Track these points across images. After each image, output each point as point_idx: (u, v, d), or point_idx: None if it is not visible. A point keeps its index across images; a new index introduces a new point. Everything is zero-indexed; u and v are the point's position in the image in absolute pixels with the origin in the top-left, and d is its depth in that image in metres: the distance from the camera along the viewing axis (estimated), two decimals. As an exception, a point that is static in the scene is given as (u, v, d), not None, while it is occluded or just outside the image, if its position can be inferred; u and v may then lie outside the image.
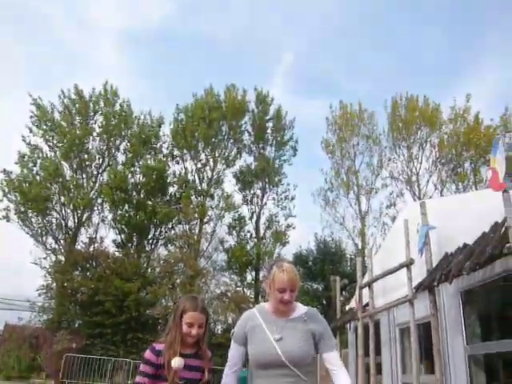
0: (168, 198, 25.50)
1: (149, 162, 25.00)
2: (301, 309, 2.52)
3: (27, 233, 22.59)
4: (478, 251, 7.22)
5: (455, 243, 8.46)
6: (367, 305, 12.73)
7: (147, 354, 2.37)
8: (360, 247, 27.60)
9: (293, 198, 27.94)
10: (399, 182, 28.56)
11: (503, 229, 6.85)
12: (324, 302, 24.20)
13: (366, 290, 12.77)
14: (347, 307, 15.95)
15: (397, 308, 10.98)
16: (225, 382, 2.46)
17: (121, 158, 25.76)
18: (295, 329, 2.41)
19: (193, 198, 25.59)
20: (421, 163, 27.75)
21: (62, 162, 23.78)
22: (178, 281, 22.03)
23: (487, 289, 7.98)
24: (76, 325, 20.85)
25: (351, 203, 29.19)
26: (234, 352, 2.49)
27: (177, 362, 2.17)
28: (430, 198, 24.04)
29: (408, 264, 9.62)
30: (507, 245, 6.43)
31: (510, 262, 6.44)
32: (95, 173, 24.85)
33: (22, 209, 22.26)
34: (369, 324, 12.26)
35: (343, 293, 20.23)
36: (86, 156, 24.27)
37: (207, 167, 26.70)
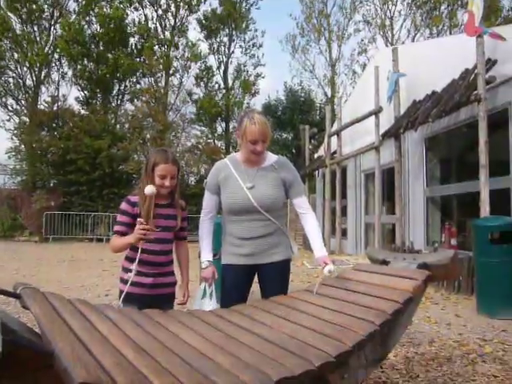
0: (130, 50, 23.94)
1: (105, 10, 22.88)
2: (271, 158, 2.57)
3: (-17, 96, 21.55)
4: (445, 98, 7.30)
5: (425, 91, 8.50)
6: (335, 152, 13.20)
7: (123, 205, 2.44)
8: (330, 96, 27.58)
9: (261, 46, 26.92)
10: (372, 26, 27.49)
11: (472, 76, 6.84)
12: (293, 151, 24.93)
13: (334, 138, 13.14)
14: (316, 155, 16.54)
15: (363, 155, 11.46)
16: (202, 227, 2.62)
17: (73, 6, 23.65)
18: (266, 177, 2.49)
19: (156, 48, 24.24)
20: (395, 5, 26.44)
21: (10, 14, 21.71)
22: (148, 136, 21.97)
23: (450, 135, 8.29)
24: (51, 184, 21.04)
25: (322, 50, 28.37)
26: (208, 201, 2.60)
27: (149, 189, 2.21)
28: (403, 43, 23.43)
29: (376, 112, 9.76)
30: (474, 92, 6.49)
31: (475, 108, 6.58)
32: (47, 26, 22.89)
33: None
34: (336, 170, 12.87)
35: (312, 141, 20.72)
36: (34, 6, 22.01)
37: (169, 13, 24.87)
